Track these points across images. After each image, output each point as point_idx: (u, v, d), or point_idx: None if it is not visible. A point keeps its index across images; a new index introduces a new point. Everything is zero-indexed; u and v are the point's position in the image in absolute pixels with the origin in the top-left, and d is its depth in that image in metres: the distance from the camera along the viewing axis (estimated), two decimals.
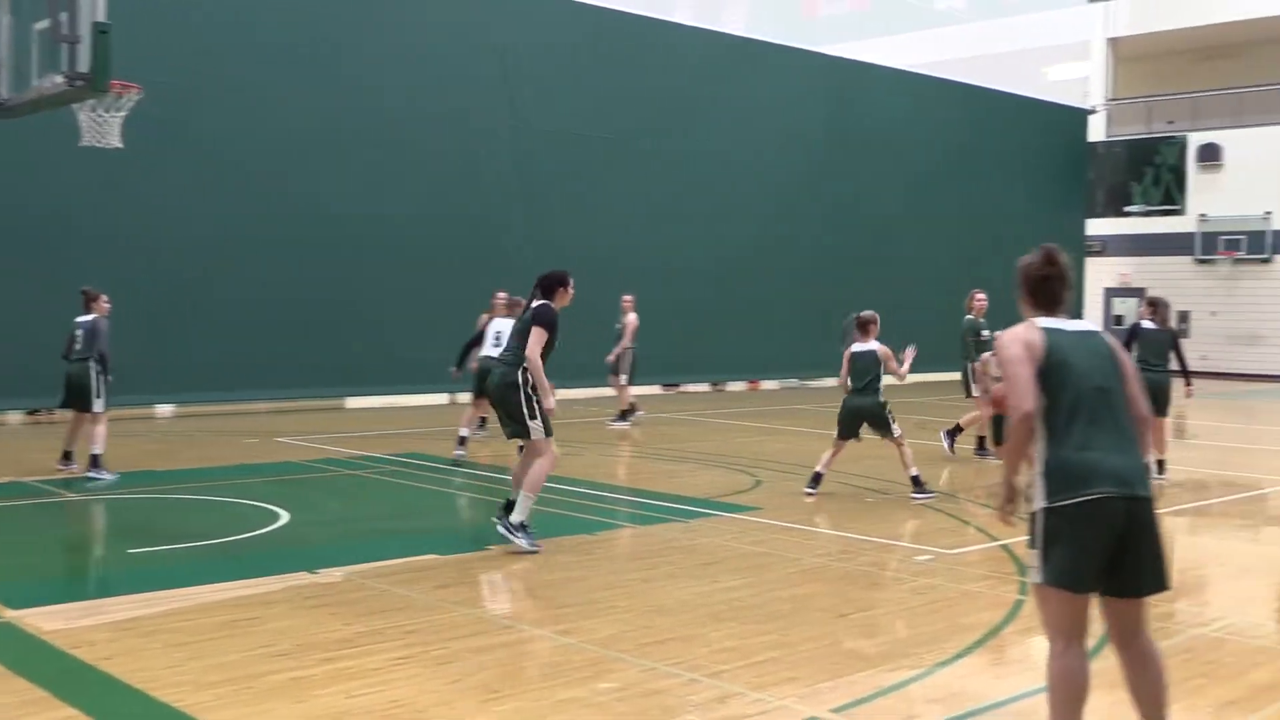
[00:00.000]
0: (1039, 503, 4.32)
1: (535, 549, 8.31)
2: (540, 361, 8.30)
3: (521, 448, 8.79)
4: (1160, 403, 12.08)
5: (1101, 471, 4.24)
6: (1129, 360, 4.58)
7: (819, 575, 7.82)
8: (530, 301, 8.58)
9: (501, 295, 13.98)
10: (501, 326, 12.46)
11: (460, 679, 5.57)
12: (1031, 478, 4.40)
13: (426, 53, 19.65)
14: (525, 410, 8.25)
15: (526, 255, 21.10)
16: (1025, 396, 4.34)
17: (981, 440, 14.01)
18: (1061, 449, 4.31)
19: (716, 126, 23.58)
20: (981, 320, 14.09)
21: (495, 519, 8.53)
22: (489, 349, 12.48)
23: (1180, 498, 11.59)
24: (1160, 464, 12.24)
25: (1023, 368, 4.37)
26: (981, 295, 14.33)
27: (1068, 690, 4.35)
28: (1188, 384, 12.83)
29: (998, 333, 4.65)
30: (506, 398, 8.32)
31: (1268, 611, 7.48)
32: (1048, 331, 4.45)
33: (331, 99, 18.59)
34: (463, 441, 12.98)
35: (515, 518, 8.35)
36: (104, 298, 11.87)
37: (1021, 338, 4.45)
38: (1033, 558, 4.34)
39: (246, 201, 17.76)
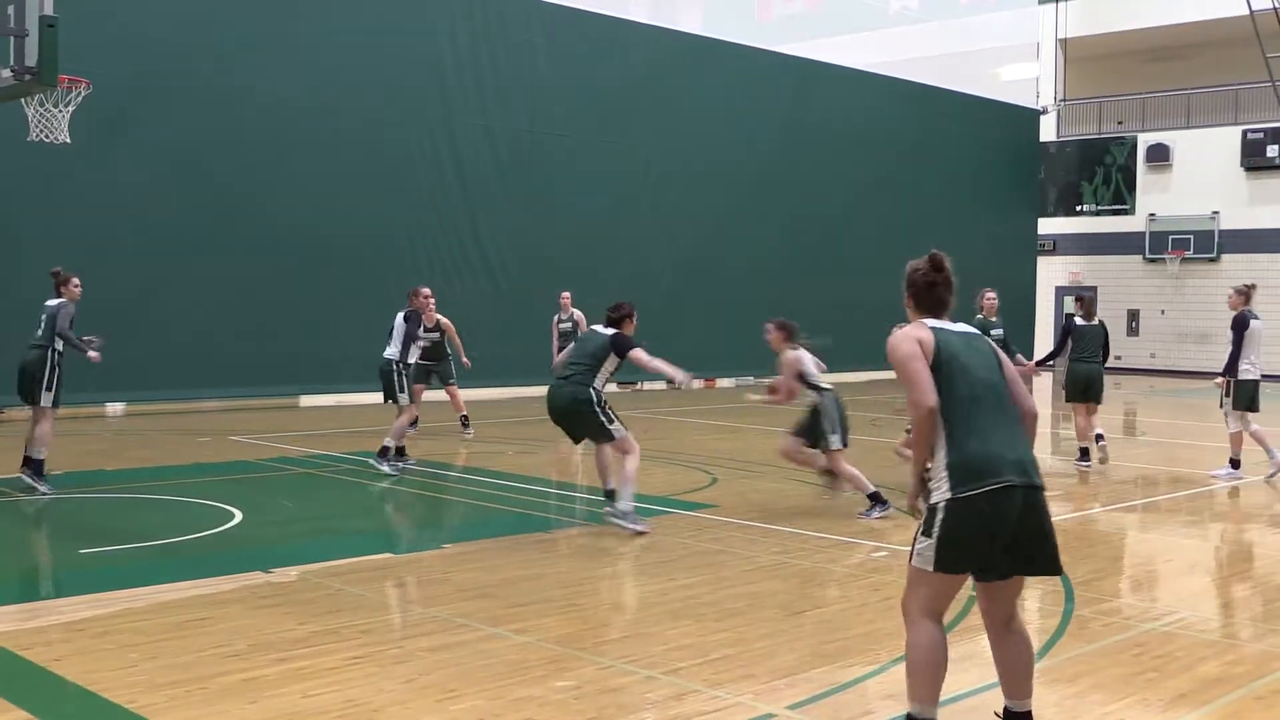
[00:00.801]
0: (944, 494, 4.46)
1: (645, 529, 9.03)
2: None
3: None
4: (1095, 392, 13.23)
5: (1004, 462, 4.45)
6: (1009, 361, 4.83)
7: (775, 573, 7.85)
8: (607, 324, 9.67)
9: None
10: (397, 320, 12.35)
11: (416, 678, 5.55)
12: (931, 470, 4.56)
13: (382, 51, 19.52)
14: (604, 419, 9.23)
15: (481, 253, 21.11)
16: (927, 393, 4.51)
17: None
18: (963, 442, 4.48)
19: (672, 126, 23.61)
20: (993, 319, 13.65)
21: (604, 511, 9.39)
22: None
23: (1129, 494, 11.74)
24: (1084, 451, 13.19)
25: (920, 364, 4.54)
26: (991, 294, 13.94)
27: (934, 662, 4.55)
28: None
29: (894, 331, 4.80)
30: (581, 412, 9.25)
31: (1216, 606, 7.59)
32: (936, 331, 4.66)
33: (286, 97, 18.43)
34: (401, 452, 12.44)
35: (623, 505, 9.18)
36: (74, 280, 11.02)
37: (914, 336, 4.63)
38: (924, 544, 4.48)
39: (198, 199, 17.57)
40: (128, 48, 16.73)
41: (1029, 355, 29.31)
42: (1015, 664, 4.71)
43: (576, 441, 9.92)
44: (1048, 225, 33.86)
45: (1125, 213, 33.00)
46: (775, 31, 34.18)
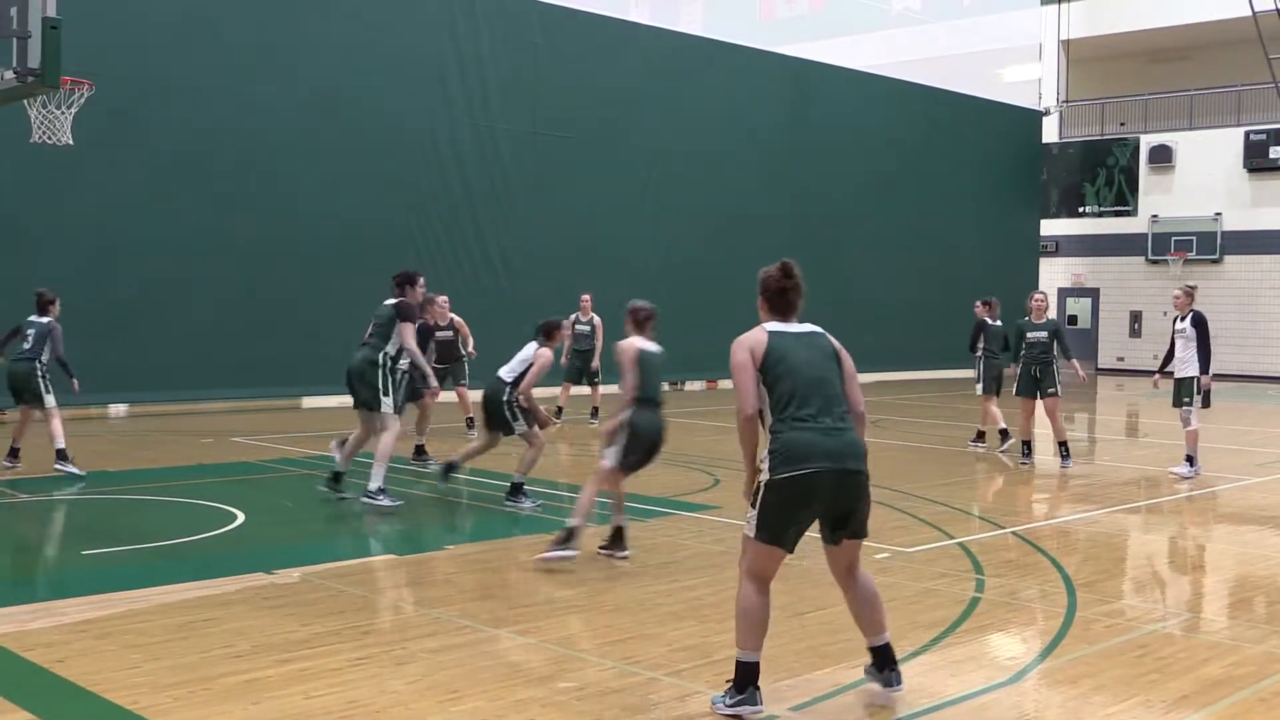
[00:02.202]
0: (765, 475, 5.10)
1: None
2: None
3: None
4: (997, 385, 14.91)
5: (816, 451, 5.08)
6: (849, 361, 5.43)
7: (777, 574, 7.83)
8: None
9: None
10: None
11: (419, 679, 5.56)
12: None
13: (383, 53, 19.54)
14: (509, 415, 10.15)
15: (484, 254, 21.11)
16: (748, 401, 5.16)
17: (980, 434, 15.11)
18: (784, 432, 5.13)
19: (674, 126, 23.60)
20: (1038, 321, 13.68)
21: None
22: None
23: (1132, 495, 11.73)
24: (1004, 432, 14.62)
25: (747, 374, 5.19)
26: (1040, 296, 14.01)
27: (757, 618, 5.19)
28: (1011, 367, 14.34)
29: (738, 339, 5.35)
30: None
31: (1218, 607, 7.59)
32: (771, 334, 5.27)
33: (290, 98, 18.45)
34: (421, 451, 12.81)
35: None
36: (57, 302, 11.97)
37: (746, 345, 5.25)
38: (751, 517, 5.18)
39: (201, 200, 17.58)
40: (130, 49, 16.74)
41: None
42: (865, 605, 5.41)
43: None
44: (1050, 226, 33.86)
45: (1128, 214, 32.98)
46: (777, 32, 34.18)
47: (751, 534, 5.18)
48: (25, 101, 12.17)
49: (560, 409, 17.40)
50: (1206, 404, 12.84)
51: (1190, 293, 13.17)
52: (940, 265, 28.96)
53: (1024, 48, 34.96)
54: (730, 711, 5.11)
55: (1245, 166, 30.95)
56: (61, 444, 11.56)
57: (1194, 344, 12.79)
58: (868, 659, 5.44)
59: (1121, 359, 31.73)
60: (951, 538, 9.16)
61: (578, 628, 6.48)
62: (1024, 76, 34.94)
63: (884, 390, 24.47)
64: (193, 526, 9.12)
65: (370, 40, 19.39)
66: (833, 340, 5.40)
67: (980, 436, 15.13)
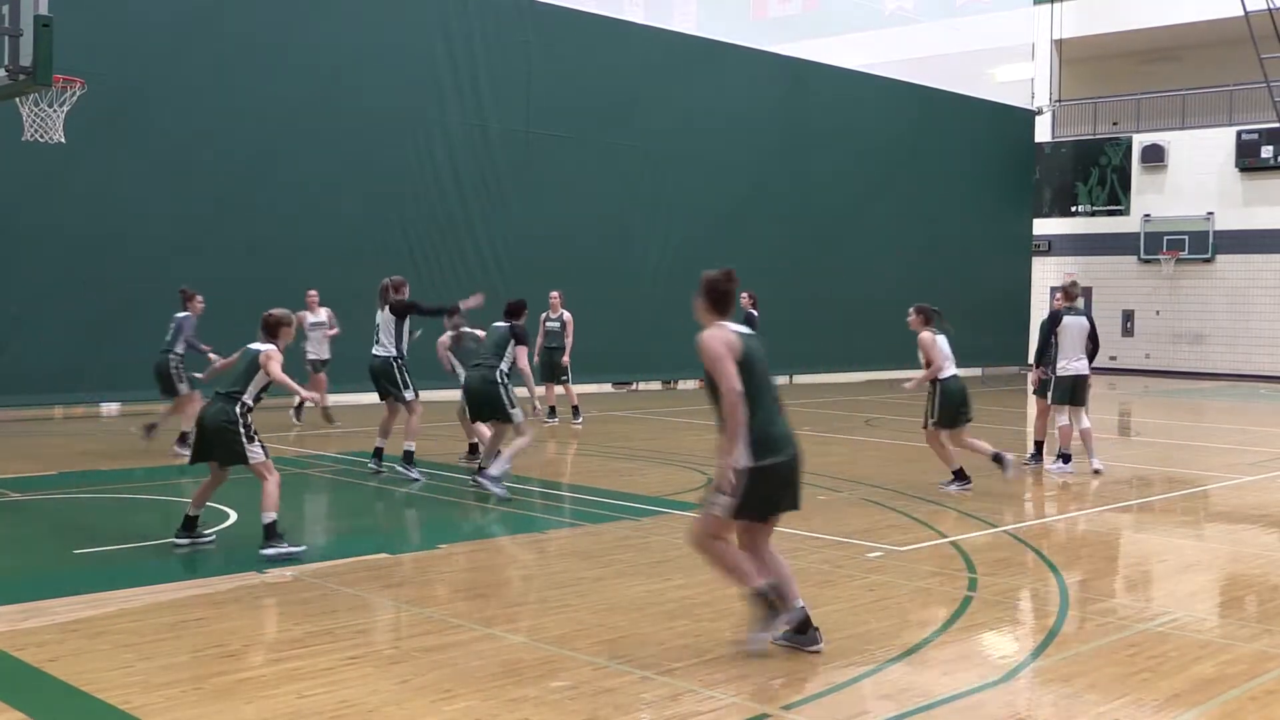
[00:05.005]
0: (745, 462, 5.69)
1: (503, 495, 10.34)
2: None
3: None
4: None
5: (787, 440, 5.87)
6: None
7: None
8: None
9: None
10: (377, 319, 12.14)
11: (411, 678, 5.55)
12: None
13: (378, 50, 19.53)
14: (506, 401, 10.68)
15: (478, 253, 21.09)
16: (737, 380, 5.69)
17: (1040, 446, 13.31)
18: (760, 423, 5.75)
19: (667, 126, 23.61)
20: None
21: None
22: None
23: (1124, 494, 11.75)
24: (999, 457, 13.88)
25: (728, 362, 5.72)
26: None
27: (734, 556, 5.95)
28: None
29: (700, 335, 5.91)
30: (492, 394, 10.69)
31: (1210, 606, 7.60)
32: (739, 334, 5.88)
33: (283, 97, 18.43)
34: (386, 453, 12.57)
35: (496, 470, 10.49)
36: (199, 298, 13.54)
37: (722, 338, 5.82)
38: (725, 499, 5.71)
39: (194, 198, 17.56)
40: (122, 48, 16.72)
41: (1024, 358, 29.40)
42: (785, 573, 6.04)
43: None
44: (1043, 226, 33.91)
45: (1120, 213, 33.04)
46: (770, 32, 34.21)
47: (733, 515, 5.78)
48: (17, 99, 12.15)
49: (553, 408, 17.41)
50: (1067, 400, 12.67)
51: (1067, 290, 13.06)
52: (933, 264, 28.99)
53: (1016, 47, 35.01)
54: (772, 634, 5.93)
55: (1237, 166, 31.03)
56: (187, 427, 12.45)
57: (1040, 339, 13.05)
58: (786, 628, 5.99)
59: (1114, 358, 31.78)
60: (944, 536, 9.17)
61: (570, 627, 6.48)
62: (1016, 76, 34.98)
63: (876, 389, 24.48)
64: None
65: (363, 39, 19.38)
66: (761, 340, 6.10)
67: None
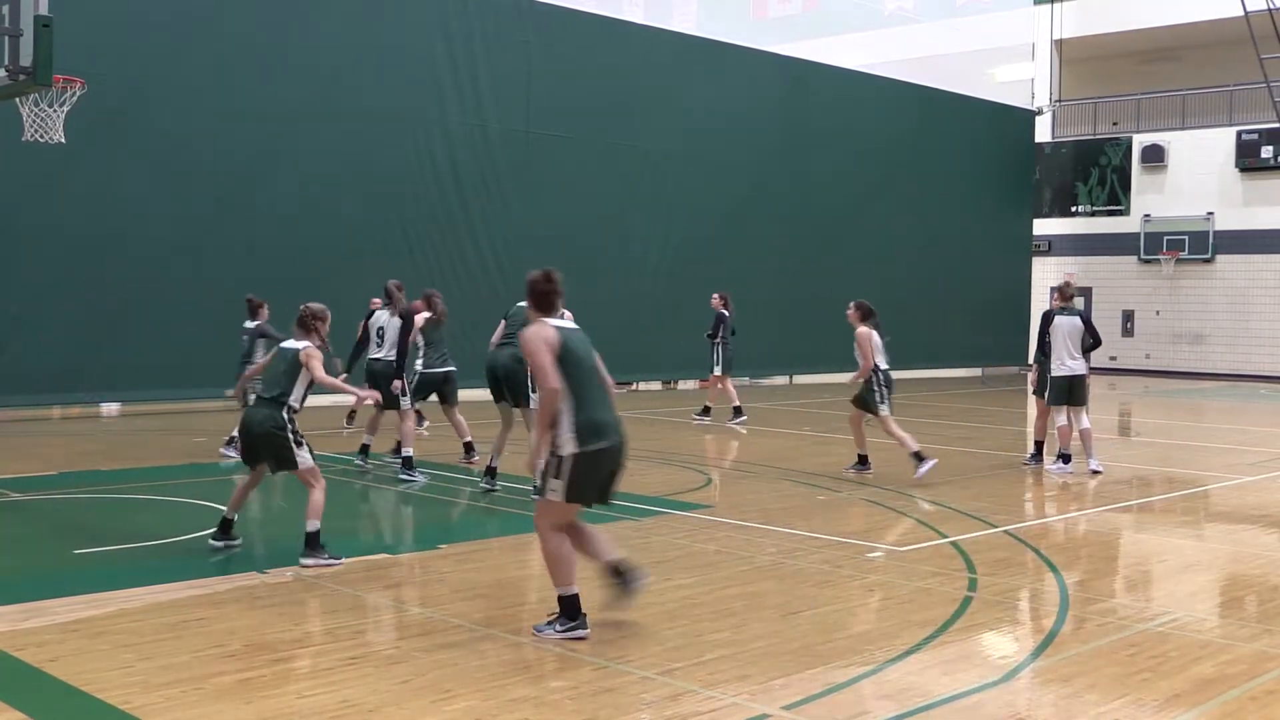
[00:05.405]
0: (571, 449, 6.09)
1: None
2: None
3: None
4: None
5: (610, 427, 6.23)
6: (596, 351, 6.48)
7: (770, 573, 7.86)
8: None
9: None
10: (383, 322, 12.18)
11: (411, 679, 5.55)
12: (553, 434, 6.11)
13: (378, 50, 19.53)
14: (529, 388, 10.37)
15: (478, 253, 21.09)
16: (554, 378, 6.07)
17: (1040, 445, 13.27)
18: (583, 411, 6.14)
19: (667, 126, 23.61)
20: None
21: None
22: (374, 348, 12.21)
23: (1124, 494, 11.75)
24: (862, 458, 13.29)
25: (548, 357, 6.11)
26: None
27: (570, 559, 6.22)
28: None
29: (523, 331, 6.34)
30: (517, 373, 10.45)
31: (1210, 606, 7.60)
32: (559, 329, 6.25)
33: (283, 97, 18.43)
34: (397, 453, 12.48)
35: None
36: (266, 306, 13.27)
37: (542, 335, 6.19)
38: (556, 484, 6.10)
39: (194, 198, 17.56)
40: (122, 48, 16.72)
41: (1024, 358, 29.40)
42: (593, 536, 6.45)
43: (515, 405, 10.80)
44: (1043, 226, 33.90)
45: (1120, 213, 33.03)
46: (770, 32, 34.21)
47: (560, 499, 6.14)
48: (17, 99, 12.14)
49: None
50: (1063, 400, 12.69)
51: (1061, 290, 13.17)
52: (933, 264, 29.00)
53: (1017, 47, 35.00)
54: (566, 636, 6.14)
55: (1237, 166, 31.02)
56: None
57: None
58: (605, 579, 6.44)
59: (1114, 358, 31.78)
60: (944, 536, 9.17)
61: None
62: (1017, 76, 34.98)
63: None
64: (185, 526, 9.10)
65: (363, 39, 19.37)
66: (585, 335, 6.48)
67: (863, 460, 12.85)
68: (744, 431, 16.54)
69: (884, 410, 12.14)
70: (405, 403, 11.85)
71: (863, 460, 12.52)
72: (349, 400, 12.02)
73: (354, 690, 5.37)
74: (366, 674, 5.60)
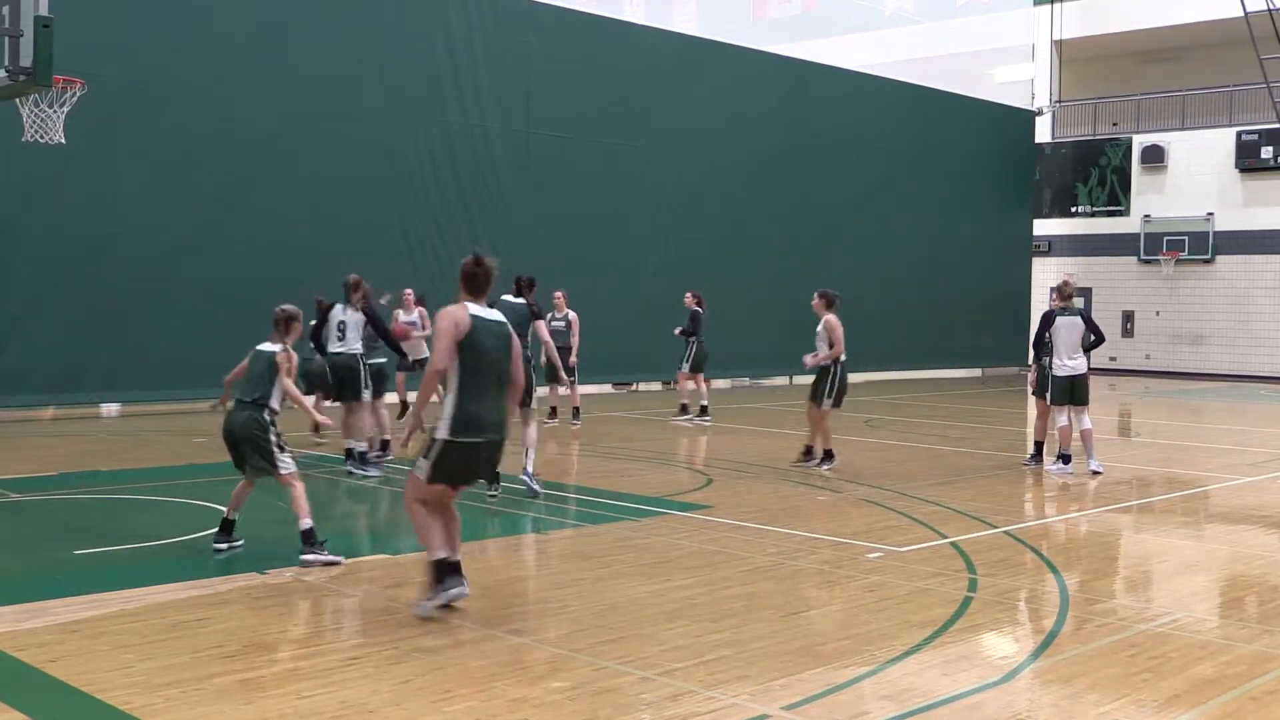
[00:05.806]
0: (444, 434, 6.40)
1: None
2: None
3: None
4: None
5: (484, 423, 6.46)
6: (518, 344, 6.74)
7: (770, 573, 7.85)
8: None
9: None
10: (343, 315, 12.12)
11: (411, 679, 5.55)
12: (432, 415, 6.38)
13: (378, 50, 19.53)
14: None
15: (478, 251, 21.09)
16: (442, 359, 6.37)
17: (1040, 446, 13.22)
18: (464, 402, 6.40)
19: (667, 126, 23.62)
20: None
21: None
22: (334, 342, 12.12)
23: (1124, 495, 11.75)
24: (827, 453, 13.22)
25: (449, 340, 6.36)
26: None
27: (436, 528, 6.57)
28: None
29: (441, 310, 6.54)
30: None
31: (1211, 607, 7.60)
32: (473, 316, 6.46)
33: (283, 97, 18.43)
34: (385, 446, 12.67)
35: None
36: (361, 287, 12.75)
37: (454, 316, 6.42)
38: (423, 464, 6.47)
39: (194, 198, 17.55)
40: (123, 49, 16.71)
41: (1024, 359, 29.41)
42: (453, 531, 6.70)
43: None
44: (1043, 226, 33.91)
45: (1120, 214, 33.04)
46: (770, 32, 34.22)
47: (424, 478, 6.49)
48: (17, 100, 12.14)
49: (554, 409, 17.40)
50: (1064, 400, 12.67)
51: (1060, 290, 13.07)
52: (933, 264, 29.00)
53: (1017, 48, 35.02)
54: (442, 600, 6.48)
55: (1237, 167, 31.03)
56: (362, 444, 12.20)
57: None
58: (442, 573, 6.55)
59: (1114, 359, 31.79)
60: (944, 537, 9.17)
61: (570, 627, 6.48)
62: (1017, 76, 34.99)
63: (876, 390, 24.49)
64: (185, 526, 9.11)
65: (363, 39, 19.38)
66: (508, 327, 6.65)
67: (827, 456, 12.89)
68: (700, 429, 16.82)
69: (827, 404, 12.46)
70: (366, 395, 11.93)
71: (828, 454, 12.70)
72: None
73: (354, 690, 5.37)
74: (366, 674, 5.60)
